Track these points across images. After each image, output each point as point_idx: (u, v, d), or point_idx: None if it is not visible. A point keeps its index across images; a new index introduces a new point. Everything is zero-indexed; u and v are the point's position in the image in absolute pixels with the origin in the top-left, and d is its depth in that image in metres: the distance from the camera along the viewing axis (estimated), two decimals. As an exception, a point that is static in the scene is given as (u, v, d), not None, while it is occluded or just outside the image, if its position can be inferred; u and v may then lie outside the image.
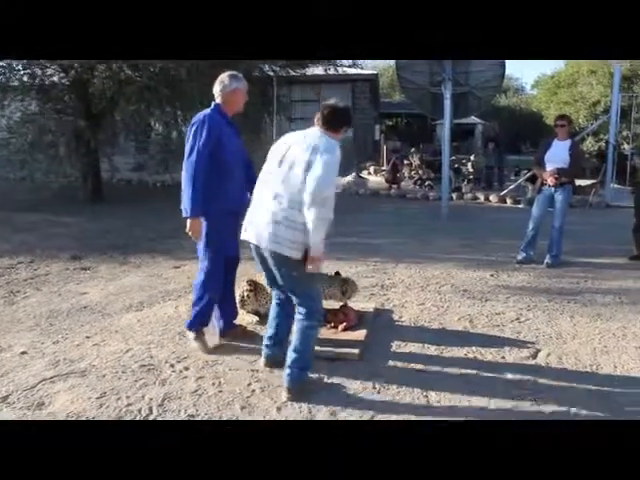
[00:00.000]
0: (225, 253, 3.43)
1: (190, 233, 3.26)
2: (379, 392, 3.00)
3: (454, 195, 11.70)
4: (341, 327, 3.78)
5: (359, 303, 4.41)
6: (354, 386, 3.05)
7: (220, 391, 3.03)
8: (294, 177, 2.73)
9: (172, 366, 3.36)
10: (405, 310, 4.41)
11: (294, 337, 2.97)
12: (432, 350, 3.59)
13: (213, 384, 3.11)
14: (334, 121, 2.86)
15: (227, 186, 3.28)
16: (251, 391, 3.02)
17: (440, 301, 4.65)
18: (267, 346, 3.23)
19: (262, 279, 3.50)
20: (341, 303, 4.02)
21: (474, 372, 3.26)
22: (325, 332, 3.75)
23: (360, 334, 3.69)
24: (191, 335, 3.49)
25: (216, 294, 3.47)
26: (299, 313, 2.94)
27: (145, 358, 3.48)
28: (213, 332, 3.60)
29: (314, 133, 2.83)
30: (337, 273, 4.15)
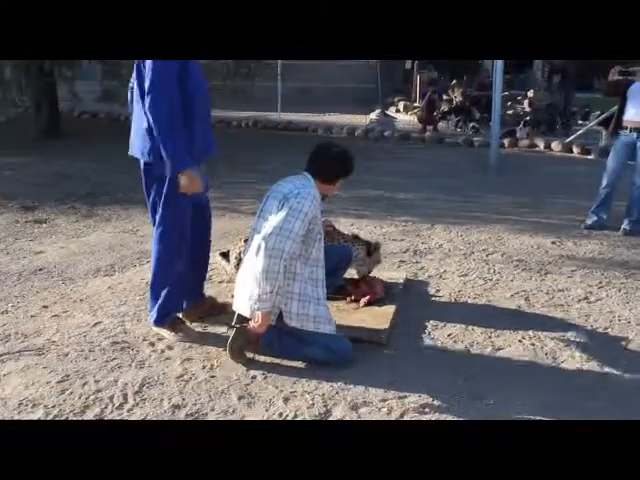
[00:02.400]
0: (189, 210, 3.36)
1: (189, 189, 3.16)
2: (404, 395, 2.97)
3: (506, 141, 11.53)
4: (363, 301, 3.79)
5: (386, 272, 4.43)
6: (375, 382, 3.04)
7: (212, 376, 3.04)
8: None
9: (152, 344, 3.37)
10: (444, 282, 4.40)
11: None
12: (478, 333, 3.57)
13: (203, 368, 3.12)
14: (327, 171, 3.17)
15: (192, 127, 3.15)
16: (251, 378, 3.03)
17: (488, 272, 4.63)
18: None
19: None
20: (363, 269, 4.01)
21: (531, 362, 3.24)
22: (344, 307, 3.76)
23: (386, 312, 3.69)
24: (165, 332, 3.44)
25: (181, 269, 3.39)
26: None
27: (118, 334, 3.49)
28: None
29: (299, 180, 3.13)
30: (356, 237, 4.13)
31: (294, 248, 2.96)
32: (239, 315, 3.20)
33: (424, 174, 8.69)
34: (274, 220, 2.97)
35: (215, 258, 4.51)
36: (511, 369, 3.19)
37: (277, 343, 3.18)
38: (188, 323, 3.55)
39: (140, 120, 3.13)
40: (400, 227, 5.90)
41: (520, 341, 3.49)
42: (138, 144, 3.19)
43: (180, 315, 3.57)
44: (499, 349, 3.40)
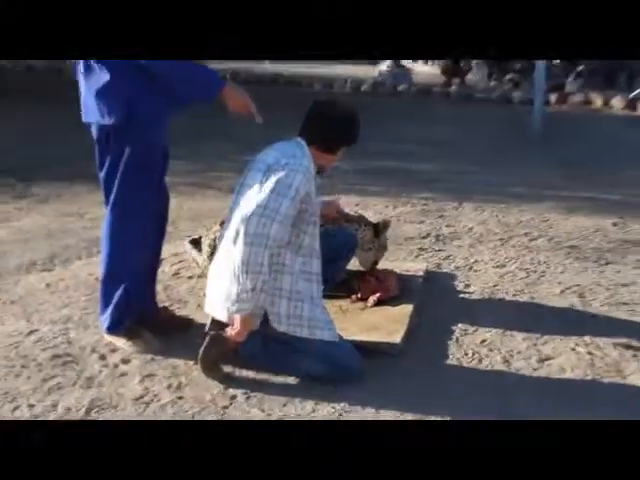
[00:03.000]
0: (155, 185, 3.33)
1: (239, 106, 3.18)
2: (425, 419, 2.94)
3: (553, 97, 11.48)
4: (372, 300, 3.78)
5: (401, 262, 4.43)
6: (388, 403, 3.00)
7: (180, 397, 3.00)
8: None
9: (103, 358, 3.34)
10: (475, 275, 4.38)
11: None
12: (519, 340, 3.54)
13: (169, 387, 3.09)
14: (326, 136, 3.16)
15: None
16: (229, 399, 2.99)
17: (531, 263, 4.61)
18: None
19: None
20: (370, 256, 4.03)
21: (587, 377, 3.21)
22: (348, 307, 3.77)
23: (402, 313, 3.66)
24: (121, 341, 3.40)
25: (141, 263, 3.38)
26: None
27: (59, 345, 3.45)
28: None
29: (289, 148, 3.12)
30: (361, 217, 4.11)
31: (282, 233, 2.91)
32: (213, 319, 3.16)
33: (448, 140, 8.69)
34: (256, 198, 2.93)
35: (184, 247, 4.48)
36: (562, 385, 3.16)
37: (262, 353, 3.14)
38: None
39: (98, 78, 3.11)
40: (419, 206, 5.88)
41: (573, 349, 3.46)
42: (94, 106, 3.15)
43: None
44: (546, 359, 3.36)
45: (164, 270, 4.41)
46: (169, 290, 4.12)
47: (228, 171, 6.57)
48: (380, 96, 12.13)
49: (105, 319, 3.40)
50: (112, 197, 3.26)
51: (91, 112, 3.18)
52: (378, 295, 3.78)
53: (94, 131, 3.24)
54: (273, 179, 2.95)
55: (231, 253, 2.95)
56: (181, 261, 4.56)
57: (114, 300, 3.35)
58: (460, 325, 3.69)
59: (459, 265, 4.54)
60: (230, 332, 3.00)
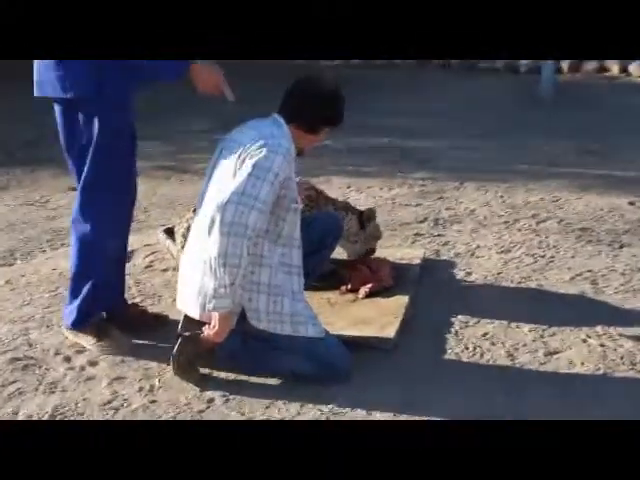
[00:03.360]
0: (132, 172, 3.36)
1: (208, 87, 3.19)
2: (421, 420, 2.94)
3: (564, 64, 11.46)
4: (364, 291, 3.79)
5: (396, 250, 4.44)
6: (381, 403, 3.00)
7: (153, 401, 3.02)
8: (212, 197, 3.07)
9: (67, 360, 3.34)
10: (477, 262, 4.39)
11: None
12: (524, 332, 3.55)
13: (140, 390, 3.10)
14: (308, 113, 3.14)
15: None
16: (206, 402, 3.00)
17: (539, 247, 4.62)
18: None
19: None
20: (365, 247, 4.04)
21: (600, 372, 3.22)
22: (337, 299, 3.78)
23: (396, 305, 3.67)
24: (86, 339, 3.39)
25: (113, 254, 3.38)
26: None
27: (19, 347, 3.46)
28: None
29: (266, 126, 3.11)
30: (346, 204, 4.12)
31: (261, 222, 2.91)
32: (186, 317, 3.16)
33: (448, 112, 8.70)
34: (232, 183, 2.92)
35: (157, 237, 4.49)
36: (572, 380, 3.16)
37: (242, 352, 3.14)
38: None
39: None
40: (416, 187, 5.89)
41: (584, 341, 3.47)
42: (53, 78, 3.12)
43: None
44: (555, 353, 3.37)
45: (135, 263, 4.44)
46: (141, 284, 4.13)
47: (205, 152, 6.53)
48: (373, 67, 12.08)
49: (70, 313, 3.40)
50: (82, 180, 3.25)
51: (47, 85, 3.14)
52: (370, 286, 3.79)
53: (56, 108, 3.22)
54: (250, 162, 2.93)
55: (205, 244, 2.95)
56: (154, 252, 4.56)
57: (82, 293, 3.35)
58: (460, 317, 3.69)
59: (459, 251, 4.54)
60: (208, 332, 2.99)
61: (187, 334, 3.09)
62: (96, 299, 3.38)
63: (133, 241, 4.71)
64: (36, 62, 3.18)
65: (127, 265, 4.28)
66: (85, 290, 3.34)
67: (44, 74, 3.15)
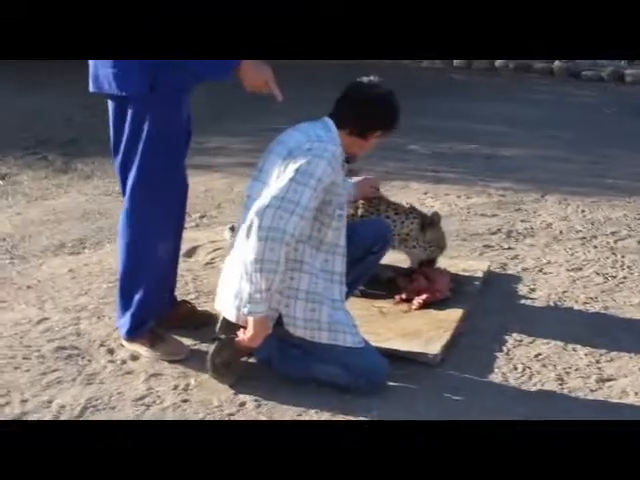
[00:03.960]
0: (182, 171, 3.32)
1: (257, 87, 3.16)
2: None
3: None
4: (417, 302, 3.70)
5: (461, 261, 4.35)
6: (416, 419, 2.93)
7: (185, 401, 3.01)
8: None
9: (110, 352, 3.37)
10: (543, 278, 4.25)
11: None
12: (580, 356, 3.42)
13: (175, 388, 3.10)
14: (359, 118, 3.09)
15: None
16: (238, 405, 2.98)
17: (612, 266, 4.44)
18: None
19: None
20: (425, 254, 3.95)
21: (655, 402, 3.06)
22: (390, 309, 3.71)
23: (449, 319, 3.58)
24: (143, 349, 3.34)
25: (164, 258, 3.32)
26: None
27: (67, 336, 3.50)
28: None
29: (314, 129, 3.06)
30: (412, 208, 4.00)
31: (301, 228, 2.86)
32: (224, 320, 3.14)
33: (542, 122, 8.46)
34: (273, 187, 2.88)
35: (224, 234, 4.49)
36: (620, 411, 3.02)
37: (278, 358, 3.10)
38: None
39: None
40: (495, 197, 5.74)
41: (650, 373, 3.32)
42: (109, 74, 3.11)
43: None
44: (608, 380, 3.23)
45: (198, 259, 4.43)
46: (199, 281, 4.12)
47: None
48: (474, 71, 11.88)
49: (124, 324, 3.35)
50: (130, 181, 3.22)
51: (105, 81, 3.13)
52: (424, 297, 3.70)
53: (110, 104, 3.24)
54: (293, 166, 2.89)
55: (244, 247, 2.92)
56: (218, 249, 4.54)
57: (134, 301, 3.29)
58: (514, 335, 3.58)
59: (527, 266, 4.39)
60: (243, 337, 2.97)
61: (223, 337, 3.06)
62: (149, 306, 3.32)
63: (200, 237, 4.78)
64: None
65: (190, 260, 4.37)
66: (137, 298, 3.29)
67: (101, 69, 3.15)
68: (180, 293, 3.90)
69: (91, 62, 3.18)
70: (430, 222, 3.93)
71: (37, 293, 3.93)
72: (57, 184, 5.90)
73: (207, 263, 4.39)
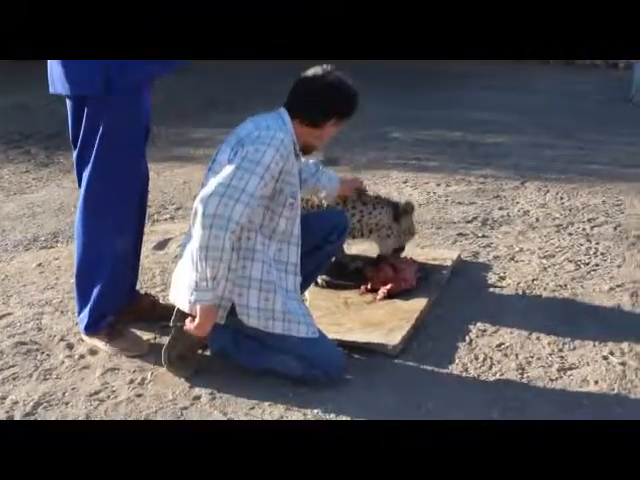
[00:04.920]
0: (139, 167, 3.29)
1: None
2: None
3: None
4: (382, 292, 3.68)
5: (431, 249, 4.34)
6: (372, 410, 2.89)
7: (139, 395, 2.98)
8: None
9: (70, 347, 3.35)
10: (514, 267, 4.21)
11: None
12: (543, 344, 3.37)
13: (131, 382, 3.07)
14: (311, 106, 3.05)
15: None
16: (192, 399, 2.95)
17: (585, 253, 4.41)
18: None
19: None
20: (398, 242, 3.93)
21: (612, 393, 3.01)
22: (355, 300, 3.68)
23: (412, 308, 3.54)
24: (101, 343, 3.32)
25: (121, 251, 3.27)
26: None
27: (28, 331, 3.48)
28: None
29: (266, 119, 3.04)
30: (377, 197, 3.98)
31: (247, 216, 2.82)
32: (179, 311, 3.10)
33: (531, 108, 8.43)
34: (219, 175, 2.84)
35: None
36: (579, 400, 2.98)
37: (233, 349, 3.07)
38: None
39: None
40: (475, 185, 5.69)
41: (605, 358, 3.26)
42: (62, 75, 3.09)
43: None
44: (569, 369, 3.18)
45: (168, 252, 4.41)
46: (167, 273, 4.08)
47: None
48: (469, 60, 11.78)
49: (83, 318, 3.33)
50: (85, 177, 3.20)
51: (60, 83, 3.11)
52: (389, 287, 3.66)
53: (67, 105, 3.21)
54: (240, 154, 2.85)
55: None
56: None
57: (92, 296, 3.28)
58: (479, 324, 3.54)
59: (499, 254, 4.35)
60: (190, 325, 2.93)
61: (178, 325, 3.03)
62: (107, 301, 3.30)
63: (173, 229, 4.75)
64: (50, 60, 3.16)
65: (159, 253, 4.34)
66: (95, 293, 3.27)
67: (55, 70, 3.13)
68: (147, 286, 3.91)
69: (48, 63, 3.16)
70: (404, 211, 3.89)
71: (3, 288, 3.92)
72: (37, 177, 5.89)
73: (177, 256, 4.32)
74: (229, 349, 3.08)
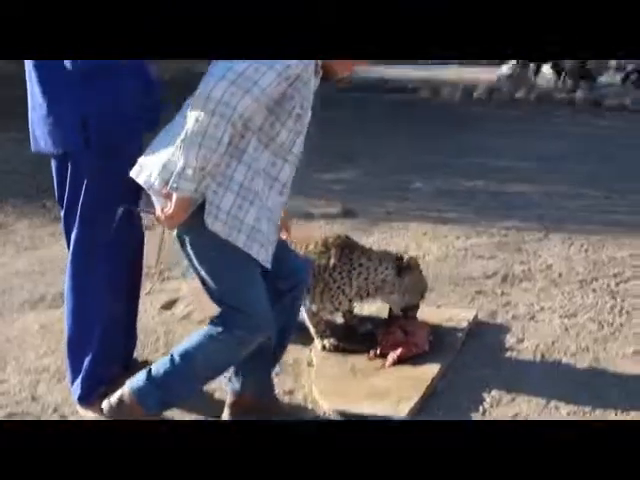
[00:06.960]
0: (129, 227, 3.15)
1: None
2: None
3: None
4: (392, 358, 3.52)
5: (447, 309, 4.19)
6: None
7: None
8: None
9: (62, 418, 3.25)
10: (534, 327, 4.03)
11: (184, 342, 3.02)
12: (562, 414, 3.21)
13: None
14: None
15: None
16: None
17: (609, 312, 4.21)
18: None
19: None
20: (405, 300, 3.75)
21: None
22: (362, 366, 3.53)
23: (423, 377, 3.39)
24: (94, 415, 3.14)
25: (114, 314, 3.17)
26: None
27: (21, 401, 3.38)
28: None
29: None
30: (386, 253, 3.84)
31: (252, 111, 2.62)
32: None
33: (557, 155, 8.24)
34: (233, 63, 2.59)
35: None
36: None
37: (166, 394, 2.95)
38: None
39: (42, 94, 2.99)
40: (496, 237, 5.51)
41: None
42: (45, 133, 3.04)
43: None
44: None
45: (175, 312, 4.27)
46: (171, 335, 3.96)
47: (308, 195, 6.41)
48: (494, 104, 11.68)
49: (75, 389, 3.21)
50: (72, 240, 3.12)
51: (42, 140, 3.04)
52: (399, 352, 3.49)
53: (52, 162, 3.14)
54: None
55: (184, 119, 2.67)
56: (199, 301, 4.38)
57: (84, 365, 3.17)
58: (494, 393, 3.37)
59: (518, 314, 4.17)
60: (160, 215, 2.71)
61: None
62: (99, 370, 3.17)
63: (182, 287, 4.61)
64: (30, 116, 3.09)
65: (166, 313, 4.21)
66: (86, 363, 3.15)
67: (37, 128, 3.06)
68: (149, 350, 3.80)
69: (30, 121, 3.09)
70: (407, 266, 3.72)
71: (2, 353, 3.83)
72: (51, 233, 5.79)
73: (184, 317, 4.21)
74: (165, 398, 2.95)
